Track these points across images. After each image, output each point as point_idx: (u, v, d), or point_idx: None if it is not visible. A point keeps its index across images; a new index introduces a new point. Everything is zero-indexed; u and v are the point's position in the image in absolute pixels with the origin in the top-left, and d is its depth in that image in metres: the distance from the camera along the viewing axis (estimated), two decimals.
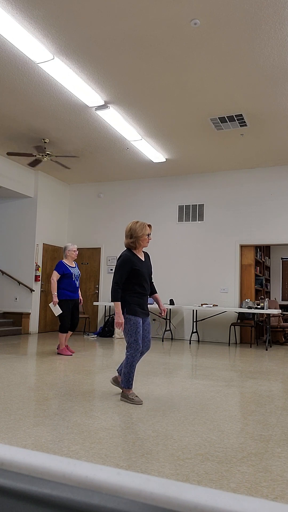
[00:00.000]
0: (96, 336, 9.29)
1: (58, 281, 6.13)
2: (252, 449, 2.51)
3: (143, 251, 3.79)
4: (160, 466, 2.22)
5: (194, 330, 9.12)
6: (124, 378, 3.61)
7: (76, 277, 6.18)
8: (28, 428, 2.79)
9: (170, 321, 9.24)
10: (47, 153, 7.79)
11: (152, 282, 3.86)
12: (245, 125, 6.91)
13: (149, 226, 3.68)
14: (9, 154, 7.76)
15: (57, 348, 6.32)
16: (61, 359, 5.78)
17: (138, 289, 3.62)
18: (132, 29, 4.61)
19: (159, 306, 3.81)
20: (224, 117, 6.67)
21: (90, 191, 10.68)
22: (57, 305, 6.06)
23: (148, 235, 3.65)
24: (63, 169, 9.58)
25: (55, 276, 6.08)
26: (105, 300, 10.11)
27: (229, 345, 8.46)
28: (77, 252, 6.31)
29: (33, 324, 9.52)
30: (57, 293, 6.06)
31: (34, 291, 9.46)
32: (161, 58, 5.14)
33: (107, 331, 9.28)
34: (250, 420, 3.12)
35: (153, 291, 3.87)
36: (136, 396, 3.59)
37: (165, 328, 9.11)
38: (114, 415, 3.14)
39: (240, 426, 2.96)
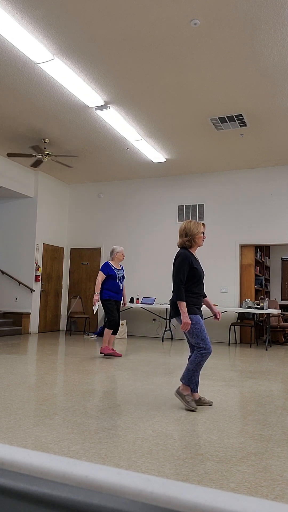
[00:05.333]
0: (96, 336, 9.28)
1: (103, 282, 6.21)
2: (252, 449, 2.51)
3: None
4: (160, 466, 2.22)
5: None
6: (187, 374, 3.42)
7: (120, 279, 6.24)
8: (28, 428, 2.79)
9: (170, 321, 9.23)
10: (47, 153, 7.79)
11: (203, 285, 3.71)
12: (245, 125, 6.91)
13: (203, 224, 3.59)
14: (9, 155, 7.75)
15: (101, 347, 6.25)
16: (61, 359, 5.78)
17: (195, 289, 3.49)
18: (132, 29, 4.61)
19: (212, 310, 3.64)
20: (224, 117, 6.67)
21: (90, 191, 10.68)
22: (96, 304, 6.11)
23: (202, 233, 3.55)
24: (63, 169, 9.58)
25: (100, 276, 6.16)
26: None
27: (229, 345, 8.46)
28: (124, 255, 6.34)
29: (33, 324, 9.52)
30: (101, 293, 6.14)
31: (34, 291, 9.47)
32: (161, 58, 5.14)
33: None
34: (250, 420, 3.12)
35: (204, 295, 3.67)
36: (193, 401, 3.40)
37: (165, 328, 9.11)
38: (114, 415, 3.14)
39: (240, 426, 2.96)
